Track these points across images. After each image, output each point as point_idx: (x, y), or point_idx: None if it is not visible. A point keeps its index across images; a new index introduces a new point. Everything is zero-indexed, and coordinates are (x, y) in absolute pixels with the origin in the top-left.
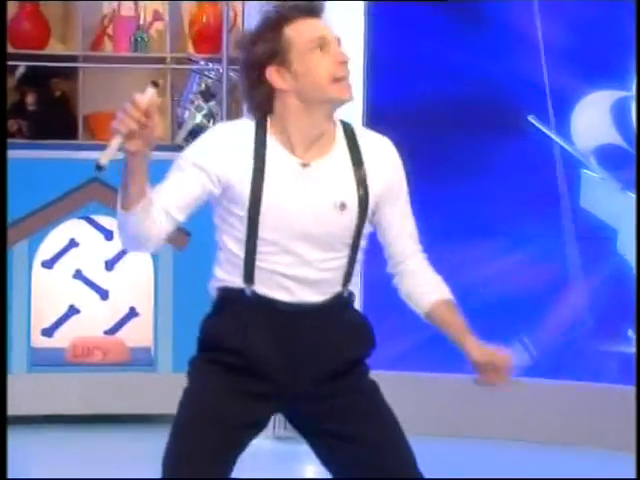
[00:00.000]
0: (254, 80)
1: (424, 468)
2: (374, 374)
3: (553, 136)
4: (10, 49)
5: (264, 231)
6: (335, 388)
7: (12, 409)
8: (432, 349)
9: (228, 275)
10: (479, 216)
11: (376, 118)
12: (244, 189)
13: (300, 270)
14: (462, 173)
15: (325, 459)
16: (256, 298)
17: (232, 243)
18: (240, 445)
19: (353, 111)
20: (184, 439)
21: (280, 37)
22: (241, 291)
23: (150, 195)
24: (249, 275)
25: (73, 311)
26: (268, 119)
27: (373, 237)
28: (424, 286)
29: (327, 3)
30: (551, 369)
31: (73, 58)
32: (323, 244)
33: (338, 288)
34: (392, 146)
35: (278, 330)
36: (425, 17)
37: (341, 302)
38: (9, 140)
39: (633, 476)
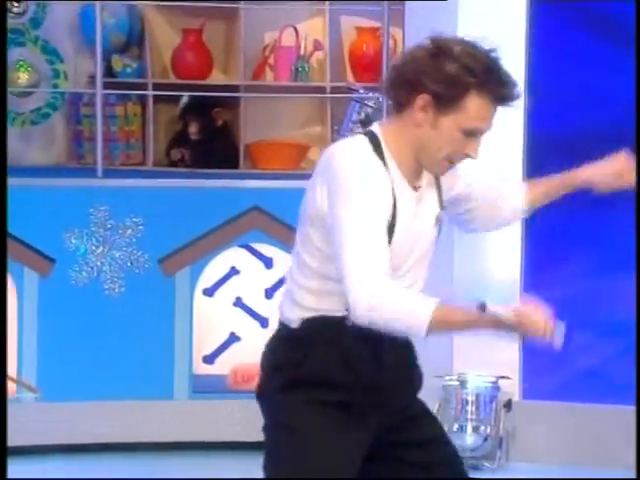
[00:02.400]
0: (407, 88)
1: None
2: (534, 404)
3: None
4: (174, 79)
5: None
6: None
7: (174, 435)
8: (591, 379)
9: (326, 305)
10: None
11: (536, 146)
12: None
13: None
14: (622, 200)
15: None
16: (356, 327)
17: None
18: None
19: (514, 139)
20: None
21: (463, 93)
22: (342, 320)
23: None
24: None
25: (234, 338)
26: (382, 136)
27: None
28: (504, 189)
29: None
30: None
31: (235, 88)
32: (427, 263)
33: None
34: None
35: (379, 358)
36: (585, 42)
37: None
38: (173, 169)
39: None
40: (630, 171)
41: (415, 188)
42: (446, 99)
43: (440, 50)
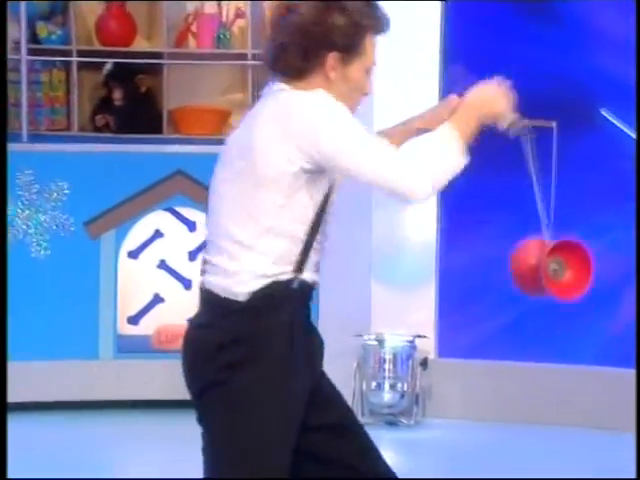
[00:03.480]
0: (310, 46)
1: (495, 454)
2: (450, 362)
3: (626, 129)
4: (98, 46)
5: (329, 206)
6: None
7: (99, 394)
8: (506, 338)
9: (278, 267)
10: (554, 208)
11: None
12: None
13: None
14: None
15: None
16: (301, 288)
17: (297, 224)
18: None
19: (429, 105)
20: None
21: (363, 38)
22: (289, 282)
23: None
24: (302, 262)
25: (157, 300)
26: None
27: (450, 228)
28: None
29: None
30: (623, 358)
31: (158, 55)
32: None
33: None
34: None
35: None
36: (500, 15)
37: None
38: (98, 134)
39: None
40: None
41: None
42: (352, 49)
43: (329, 6)
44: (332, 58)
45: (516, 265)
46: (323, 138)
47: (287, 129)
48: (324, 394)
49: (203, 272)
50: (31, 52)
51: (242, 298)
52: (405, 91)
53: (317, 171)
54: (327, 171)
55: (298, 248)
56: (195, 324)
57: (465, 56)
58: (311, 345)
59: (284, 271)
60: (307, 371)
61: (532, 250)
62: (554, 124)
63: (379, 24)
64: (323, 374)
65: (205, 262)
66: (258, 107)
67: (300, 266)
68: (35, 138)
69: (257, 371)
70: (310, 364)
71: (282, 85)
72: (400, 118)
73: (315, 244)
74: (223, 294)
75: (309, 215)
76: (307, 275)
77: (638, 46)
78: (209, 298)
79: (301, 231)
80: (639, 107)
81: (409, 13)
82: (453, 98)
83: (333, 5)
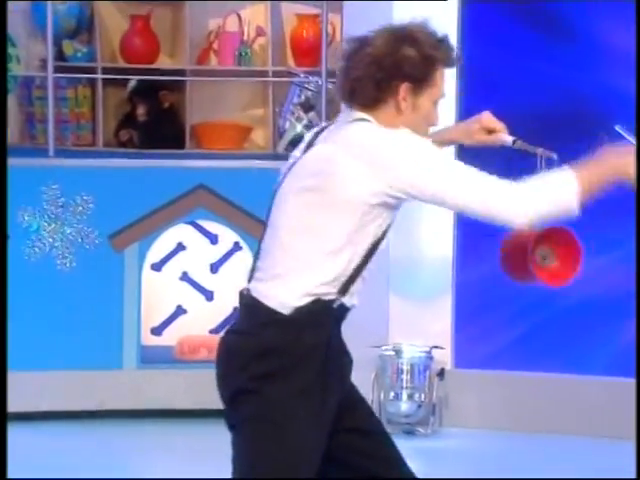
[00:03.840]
0: (383, 77)
1: (511, 463)
2: (466, 373)
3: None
4: (122, 64)
5: (384, 239)
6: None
7: (123, 404)
8: (520, 349)
9: (326, 287)
10: (567, 221)
11: None
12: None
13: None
14: None
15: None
16: (339, 310)
17: (357, 252)
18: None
19: (447, 122)
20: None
21: (433, 70)
22: (331, 302)
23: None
24: (348, 286)
25: (180, 311)
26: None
27: (466, 241)
28: None
29: (422, 13)
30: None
31: (181, 72)
32: None
33: None
34: None
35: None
36: (514, 31)
37: None
38: (122, 149)
39: None
40: (486, 128)
41: None
42: (422, 80)
43: (402, 37)
44: (404, 89)
45: (505, 250)
46: (425, 179)
47: (379, 165)
48: (352, 399)
49: (250, 279)
50: (58, 69)
51: (286, 311)
52: None
53: (394, 207)
54: (398, 208)
55: (349, 273)
56: (233, 330)
57: (480, 72)
58: (343, 364)
59: (329, 292)
60: (338, 388)
61: (522, 237)
62: (555, 155)
63: (448, 57)
64: (352, 385)
65: (255, 269)
66: (339, 131)
67: (345, 290)
68: (61, 153)
69: (291, 384)
70: (341, 381)
71: (361, 114)
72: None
73: (364, 272)
74: (268, 303)
75: (367, 245)
76: (347, 299)
77: (638, 46)
78: (252, 305)
79: (357, 259)
80: (639, 115)
81: None
82: (486, 114)
83: (405, 37)
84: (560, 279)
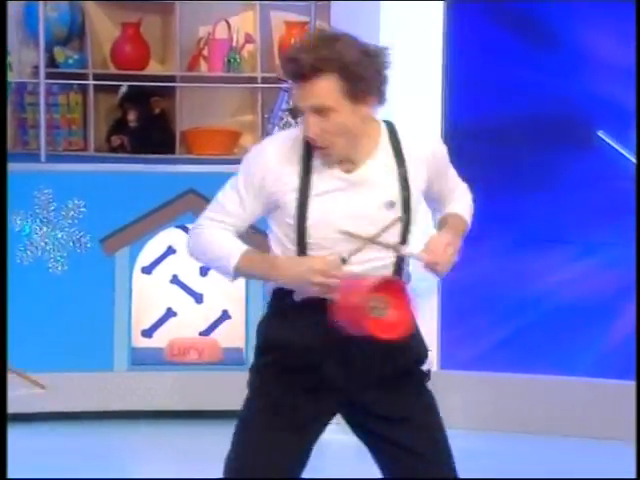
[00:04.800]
0: (372, 86)
1: (496, 463)
2: (452, 374)
3: (622, 151)
4: (113, 70)
5: (311, 237)
6: (384, 396)
7: (113, 404)
8: (506, 350)
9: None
10: (551, 225)
11: (453, 134)
12: (291, 203)
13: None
14: (535, 186)
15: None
16: (302, 300)
17: (282, 248)
18: (305, 436)
19: (432, 127)
20: (252, 431)
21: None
22: (290, 292)
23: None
24: None
25: (170, 314)
26: None
27: None
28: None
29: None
30: (620, 370)
31: (171, 78)
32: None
33: None
34: (430, 139)
35: (325, 328)
36: (500, 40)
37: None
38: (113, 155)
39: None
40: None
41: (347, 171)
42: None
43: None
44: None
45: (339, 303)
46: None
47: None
48: None
49: None
50: (49, 76)
51: None
52: (408, 114)
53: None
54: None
55: None
56: None
57: (466, 80)
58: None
59: None
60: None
61: (355, 288)
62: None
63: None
64: None
65: None
66: None
67: None
68: (53, 158)
69: None
70: None
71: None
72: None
73: None
74: None
75: None
76: None
77: (638, 46)
78: None
79: None
80: (639, 125)
81: (411, 36)
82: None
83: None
84: (391, 332)
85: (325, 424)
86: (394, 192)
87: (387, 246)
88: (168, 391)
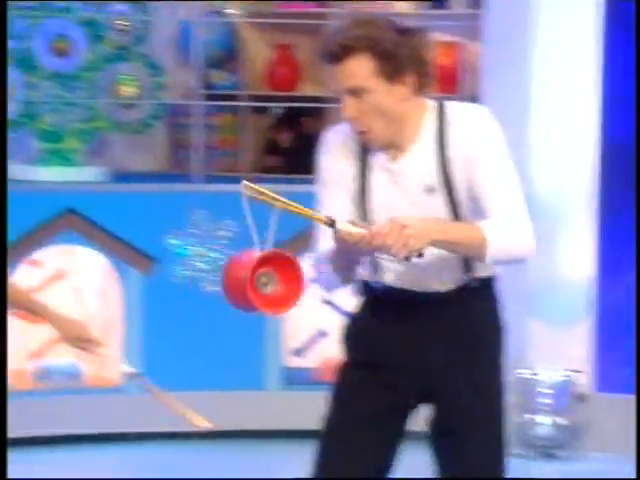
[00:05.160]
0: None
1: None
2: (607, 396)
3: None
4: (267, 91)
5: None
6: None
7: (266, 424)
8: None
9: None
10: None
11: (610, 154)
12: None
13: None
14: None
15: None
16: (383, 288)
17: None
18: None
19: (587, 145)
20: (331, 435)
21: None
22: (368, 282)
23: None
24: (374, 265)
25: (322, 334)
26: None
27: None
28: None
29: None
30: None
31: (323, 99)
32: None
33: (459, 275)
34: (479, 116)
35: (399, 320)
36: None
37: (467, 290)
38: (267, 175)
39: None
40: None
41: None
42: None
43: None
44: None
45: (226, 277)
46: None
47: None
48: None
49: None
50: (204, 97)
51: None
52: (561, 131)
53: None
54: None
55: None
56: None
57: (622, 96)
58: None
59: None
60: None
61: (243, 261)
62: None
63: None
64: None
65: None
66: None
67: None
68: (207, 179)
69: None
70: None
71: None
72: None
73: None
74: None
75: None
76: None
77: (638, 47)
78: None
79: None
80: (639, 114)
81: (565, 50)
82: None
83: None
84: (281, 305)
85: (405, 418)
86: (433, 177)
87: (319, 220)
88: (319, 411)
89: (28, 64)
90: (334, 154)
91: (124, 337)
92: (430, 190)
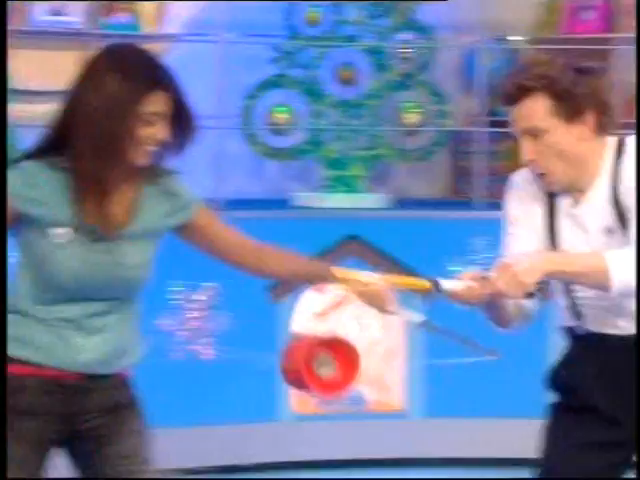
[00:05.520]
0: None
1: None
2: None
3: None
4: None
5: None
6: None
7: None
8: None
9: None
10: None
11: None
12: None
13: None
14: None
15: None
16: (585, 335)
17: None
18: None
19: None
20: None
21: None
22: (571, 328)
23: None
24: (575, 309)
25: None
26: None
27: None
28: None
29: None
30: None
31: None
32: None
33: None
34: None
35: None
36: None
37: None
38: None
39: None
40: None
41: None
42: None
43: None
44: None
45: (286, 361)
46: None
47: None
48: None
49: None
50: (488, 124)
51: None
52: None
53: None
54: None
55: None
56: None
57: None
58: None
59: None
60: None
61: (301, 347)
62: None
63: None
64: None
65: None
66: None
67: None
68: (490, 205)
69: None
70: None
71: None
72: None
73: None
74: None
75: None
76: None
77: (638, 47)
78: None
79: None
80: (638, 113)
81: None
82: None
83: None
84: (335, 389)
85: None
86: (611, 218)
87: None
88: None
89: (314, 92)
90: (521, 196)
91: (406, 364)
92: (610, 232)
